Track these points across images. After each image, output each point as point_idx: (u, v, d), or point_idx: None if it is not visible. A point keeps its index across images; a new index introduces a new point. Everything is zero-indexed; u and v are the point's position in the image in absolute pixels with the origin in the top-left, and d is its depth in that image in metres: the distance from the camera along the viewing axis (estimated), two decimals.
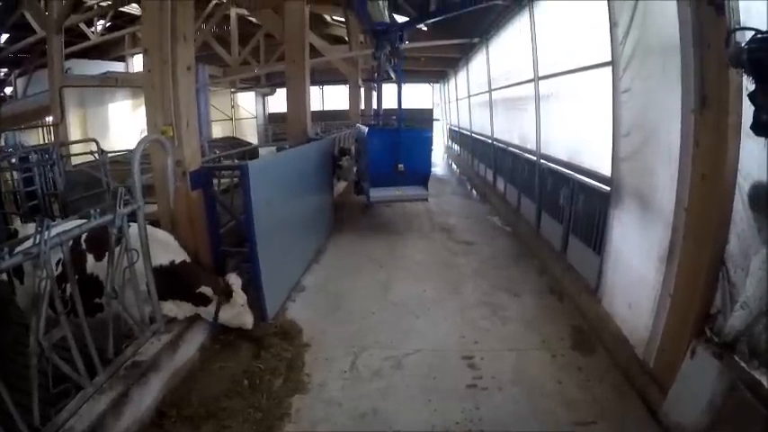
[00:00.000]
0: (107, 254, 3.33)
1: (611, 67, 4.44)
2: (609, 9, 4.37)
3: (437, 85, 25.87)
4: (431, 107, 27.17)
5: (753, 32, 2.22)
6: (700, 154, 2.96)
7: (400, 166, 7.80)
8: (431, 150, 8.35)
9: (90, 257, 3.65)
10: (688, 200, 3.12)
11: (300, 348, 4.36)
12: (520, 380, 3.87)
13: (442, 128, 24.81)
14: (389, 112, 10.74)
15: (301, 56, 8.26)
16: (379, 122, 10.75)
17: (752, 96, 2.26)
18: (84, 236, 3.57)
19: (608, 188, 4.62)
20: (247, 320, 4.20)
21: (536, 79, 7.29)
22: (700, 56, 2.85)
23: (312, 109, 8.99)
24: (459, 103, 17.96)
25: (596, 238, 4.91)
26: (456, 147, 19.35)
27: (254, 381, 3.79)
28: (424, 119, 11.32)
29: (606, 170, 4.66)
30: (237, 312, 4.10)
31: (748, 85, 2.32)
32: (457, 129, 19.06)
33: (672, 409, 3.11)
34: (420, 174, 8.13)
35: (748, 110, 2.35)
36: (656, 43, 3.58)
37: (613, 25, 4.32)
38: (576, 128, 5.89)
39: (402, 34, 8.11)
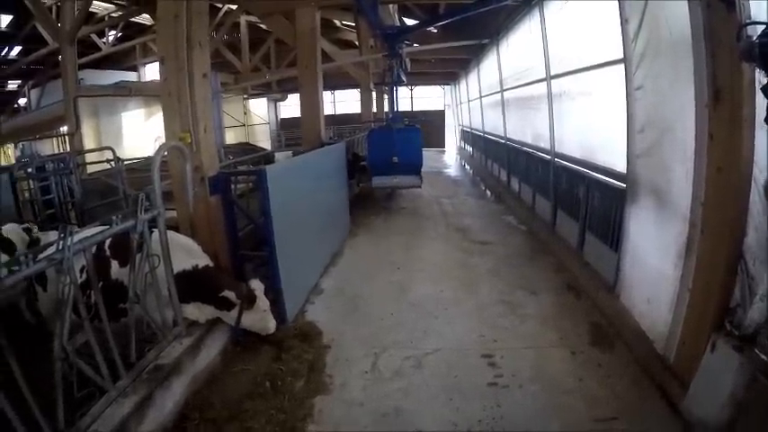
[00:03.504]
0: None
1: (623, 65, 4.44)
2: (620, 6, 4.37)
3: (448, 87, 25.83)
4: (442, 108, 27.25)
5: (764, 26, 2.24)
6: (714, 147, 2.95)
7: (395, 158, 9.52)
8: (421, 146, 10.05)
9: (114, 263, 3.72)
10: (704, 194, 3.11)
11: (321, 350, 4.41)
12: (540, 377, 3.87)
13: (454, 129, 24.79)
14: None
15: (314, 61, 8.30)
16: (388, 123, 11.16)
17: (765, 89, 2.27)
18: (108, 242, 3.66)
19: (623, 185, 4.61)
20: (270, 325, 4.24)
21: (548, 78, 7.29)
22: (711, 51, 2.85)
23: (324, 113, 9.08)
24: (471, 104, 17.92)
25: (613, 234, 4.90)
26: (468, 148, 19.30)
27: (276, 382, 3.82)
28: (418, 120, 12.40)
29: (621, 167, 4.65)
30: (260, 317, 4.15)
31: (761, 78, 2.34)
32: (469, 130, 19.01)
33: (693, 403, 3.10)
34: (413, 165, 9.84)
35: (762, 102, 2.36)
36: (668, 39, 3.57)
37: (625, 22, 4.32)
38: (589, 126, 5.87)
39: (395, 50, 9.57)
